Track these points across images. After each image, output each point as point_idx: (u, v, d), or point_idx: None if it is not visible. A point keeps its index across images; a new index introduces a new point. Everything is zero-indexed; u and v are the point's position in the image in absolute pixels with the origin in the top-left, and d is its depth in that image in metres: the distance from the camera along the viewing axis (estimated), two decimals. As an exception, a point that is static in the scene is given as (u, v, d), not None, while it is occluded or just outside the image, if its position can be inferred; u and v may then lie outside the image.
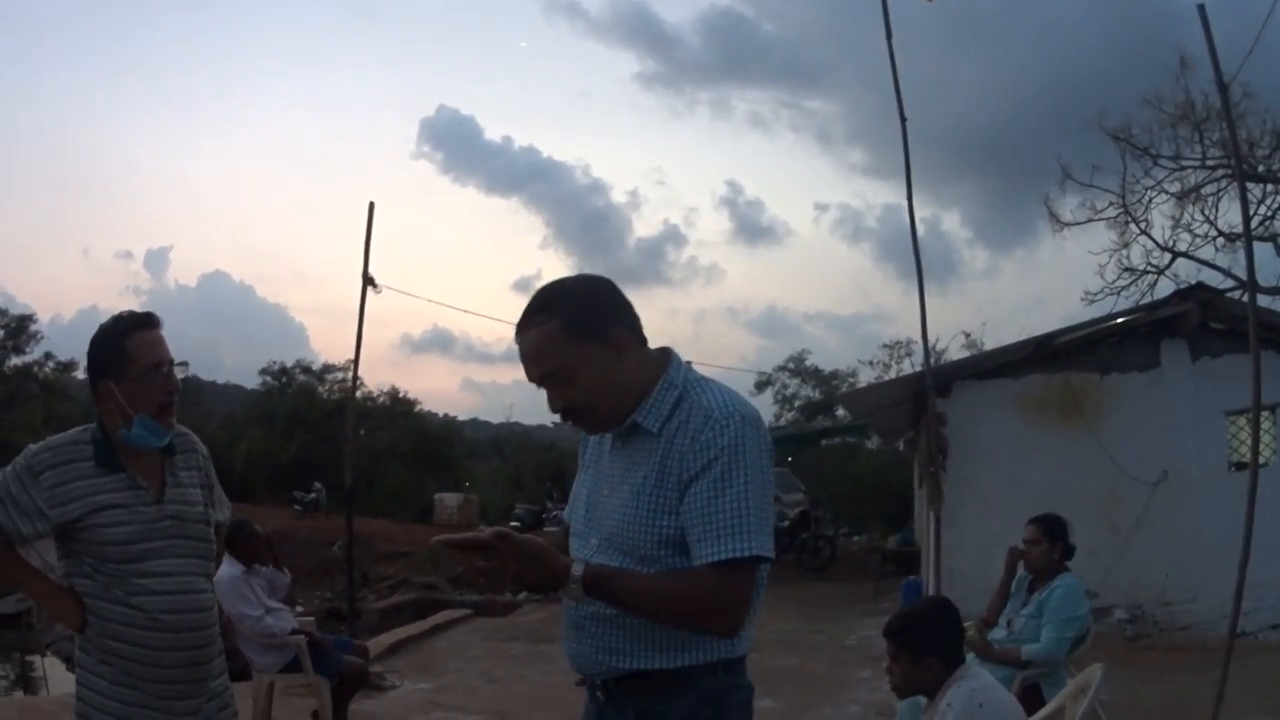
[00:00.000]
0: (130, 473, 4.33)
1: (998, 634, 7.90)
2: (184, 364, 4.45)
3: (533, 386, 3.37)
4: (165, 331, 4.39)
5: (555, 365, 3.30)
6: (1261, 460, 10.25)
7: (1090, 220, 30.14)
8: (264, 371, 62.70)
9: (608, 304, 3.38)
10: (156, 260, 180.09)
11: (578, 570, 3.15)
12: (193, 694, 4.42)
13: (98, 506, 4.21)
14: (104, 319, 4.43)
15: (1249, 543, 8.72)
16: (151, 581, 4.27)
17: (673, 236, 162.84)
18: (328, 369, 60.62)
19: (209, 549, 4.62)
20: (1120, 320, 16.50)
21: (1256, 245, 24.80)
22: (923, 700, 5.21)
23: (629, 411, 3.37)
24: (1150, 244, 29.65)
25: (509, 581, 3.22)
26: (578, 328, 3.28)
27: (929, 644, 5.06)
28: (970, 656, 6.51)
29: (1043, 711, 6.71)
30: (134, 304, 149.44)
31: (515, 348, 3.35)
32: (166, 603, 4.29)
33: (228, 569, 9.78)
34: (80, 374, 57.87)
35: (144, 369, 4.31)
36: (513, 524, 27.93)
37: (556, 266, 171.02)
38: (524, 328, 3.35)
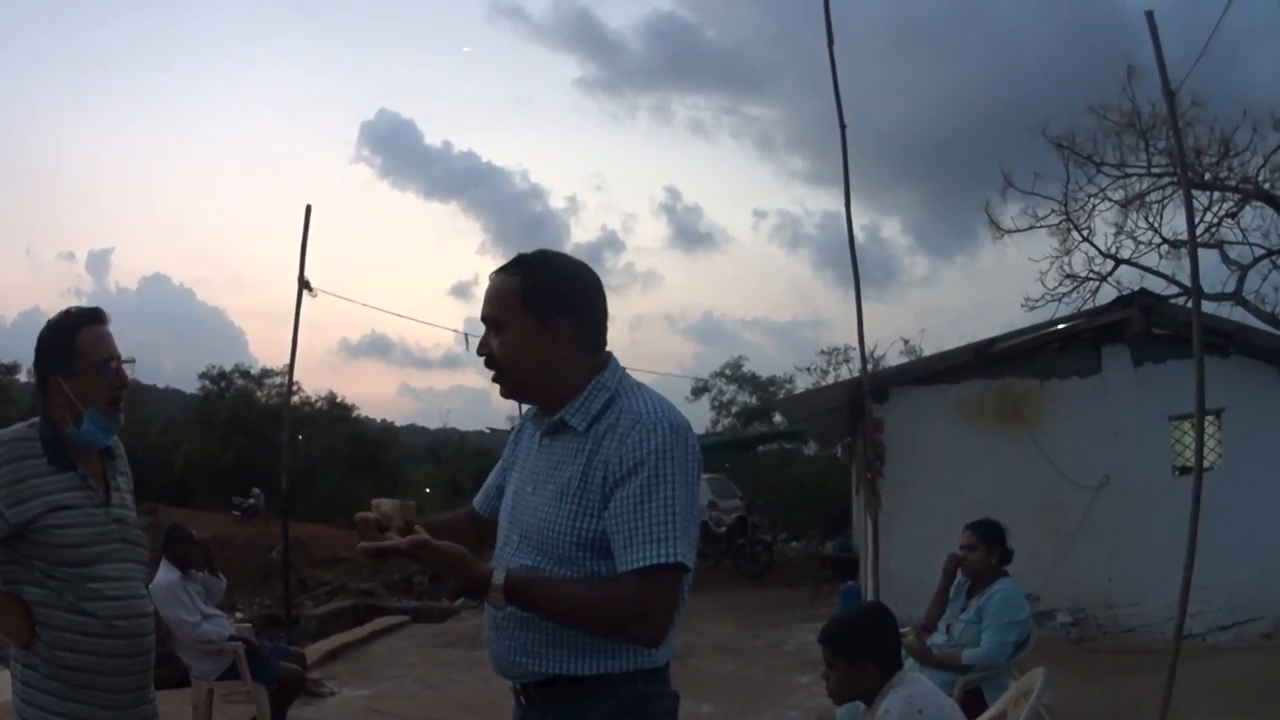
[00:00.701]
0: (81, 472, 4.22)
1: (937, 639, 7.89)
2: (132, 360, 4.39)
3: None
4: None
5: (494, 313, 3.43)
6: (1206, 464, 10.27)
7: (1032, 227, 30.20)
8: (203, 376, 62.70)
9: (571, 294, 3.44)
10: (98, 262, 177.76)
11: (499, 578, 3.14)
12: (139, 701, 4.31)
13: (54, 506, 4.08)
14: (46, 321, 4.35)
15: (1194, 546, 8.74)
16: (104, 586, 4.15)
17: (611, 242, 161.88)
18: (266, 373, 60.59)
19: (146, 554, 4.53)
20: (1061, 326, 16.62)
21: (1201, 252, 25.02)
22: (861, 706, 5.16)
23: (546, 399, 3.47)
24: (1092, 251, 29.74)
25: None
26: (530, 295, 3.36)
27: (865, 650, 5.01)
28: (909, 662, 6.47)
29: (984, 716, 6.70)
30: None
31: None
32: (120, 608, 4.18)
33: (164, 574, 9.73)
34: (23, 376, 57.66)
35: (93, 364, 4.23)
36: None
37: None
38: (497, 272, 3.48)
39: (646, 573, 3.11)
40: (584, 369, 3.40)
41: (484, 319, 3.44)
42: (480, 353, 3.46)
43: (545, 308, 3.34)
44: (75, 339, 4.24)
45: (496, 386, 3.50)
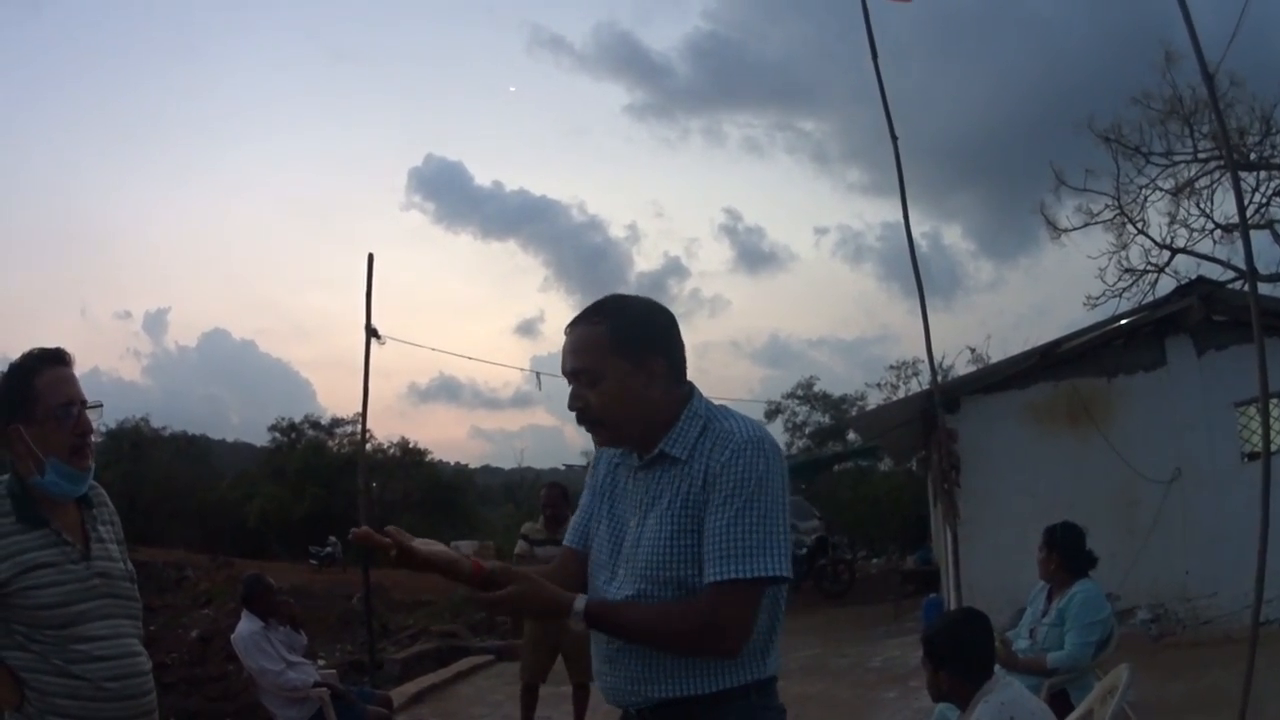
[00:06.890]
0: (54, 527, 4.07)
1: (1021, 644, 7.87)
2: (99, 405, 4.26)
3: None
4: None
5: (587, 365, 3.41)
6: (1274, 448, 10.22)
7: (1087, 224, 30.15)
8: (273, 428, 62.68)
9: (657, 332, 3.49)
10: (155, 321, 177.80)
11: (579, 604, 3.24)
12: None
13: (27, 566, 3.93)
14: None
15: (1266, 531, 8.67)
16: (91, 647, 4.01)
17: (674, 269, 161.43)
18: (336, 422, 60.42)
19: (139, 608, 4.37)
20: (1123, 322, 16.51)
21: (1254, 233, 24.86)
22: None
23: (643, 439, 3.46)
24: (1148, 243, 29.65)
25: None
26: (620, 341, 3.39)
27: (951, 655, 5.10)
28: (998, 668, 6.48)
29: (1072, 716, 6.70)
30: (137, 369, 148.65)
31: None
32: (110, 669, 4.05)
33: (245, 625, 9.81)
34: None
35: (53, 408, 4.08)
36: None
37: (559, 307, 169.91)
38: (576, 323, 3.48)
39: (720, 587, 3.18)
40: (675, 402, 3.45)
41: (572, 373, 3.45)
42: (574, 407, 3.46)
43: (638, 349, 3.39)
44: (34, 382, 4.09)
45: (573, 425, 3.55)
